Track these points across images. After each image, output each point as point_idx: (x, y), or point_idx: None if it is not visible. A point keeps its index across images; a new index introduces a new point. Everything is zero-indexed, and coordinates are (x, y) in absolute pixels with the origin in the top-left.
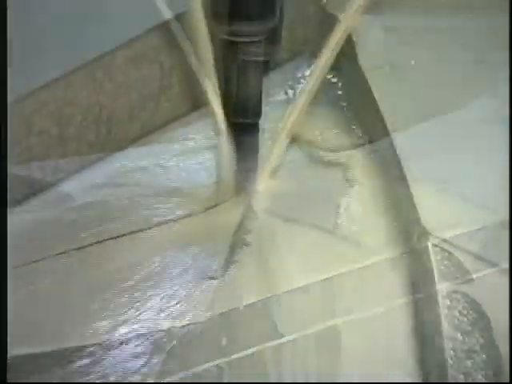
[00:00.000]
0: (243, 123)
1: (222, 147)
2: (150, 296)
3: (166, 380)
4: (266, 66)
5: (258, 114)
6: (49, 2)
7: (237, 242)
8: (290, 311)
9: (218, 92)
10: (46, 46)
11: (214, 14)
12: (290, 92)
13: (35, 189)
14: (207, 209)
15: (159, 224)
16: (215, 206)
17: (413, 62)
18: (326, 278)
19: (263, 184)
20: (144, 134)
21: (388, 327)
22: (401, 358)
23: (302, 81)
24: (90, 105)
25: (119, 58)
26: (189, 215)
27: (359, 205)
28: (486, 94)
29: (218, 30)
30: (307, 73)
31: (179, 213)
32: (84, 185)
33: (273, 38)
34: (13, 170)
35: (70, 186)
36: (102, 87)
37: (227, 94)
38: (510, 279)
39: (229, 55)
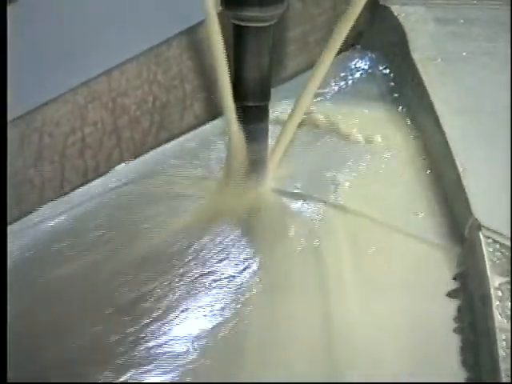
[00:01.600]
0: (253, 107)
1: (232, 135)
2: None
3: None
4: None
5: (267, 96)
6: None
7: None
8: None
9: (229, 80)
10: (100, 38)
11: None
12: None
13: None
14: (219, 194)
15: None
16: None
17: (464, 54)
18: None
19: (273, 167)
20: (198, 123)
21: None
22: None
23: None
24: (143, 95)
25: (173, 49)
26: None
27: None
28: None
29: (230, 16)
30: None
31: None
32: (132, 174)
33: (281, 23)
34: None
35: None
36: (155, 78)
37: (238, 79)
38: (510, 278)
39: (240, 40)
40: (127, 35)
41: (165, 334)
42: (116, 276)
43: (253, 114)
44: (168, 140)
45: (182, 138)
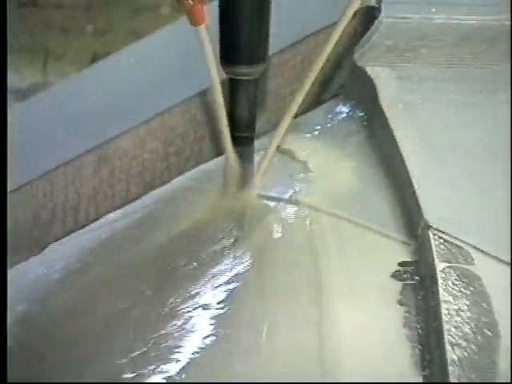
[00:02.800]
0: (242, 136)
1: (228, 157)
2: None
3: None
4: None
5: (252, 129)
6: None
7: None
8: None
9: (226, 118)
10: (155, 89)
11: (222, 60)
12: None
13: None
14: (219, 199)
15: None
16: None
17: (418, 102)
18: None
19: (258, 181)
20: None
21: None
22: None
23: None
24: (186, 130)
25: (207, 96)
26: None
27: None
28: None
29: (227, 72)
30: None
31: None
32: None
33: (263, 75)
34: None
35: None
36: (195, 118)
37: (232, 117)
38: (510, 276)
39: (233, 89)
40: (173, 88)
41: None
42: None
43: (243, 142)
44: (200, 164)
45: (210, 163)
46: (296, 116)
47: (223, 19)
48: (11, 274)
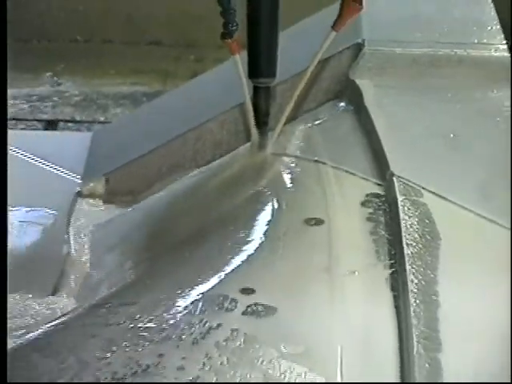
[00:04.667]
0: (261, 121)
1: (252, 132)
2: None
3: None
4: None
5: (268, 114)
6: None
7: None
8: None
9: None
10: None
11: (249, 74)
12: None
13: None
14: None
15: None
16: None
17: (388, 100)
18: None
19: (272, 142)
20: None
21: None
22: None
23: None
24: (217, 137)
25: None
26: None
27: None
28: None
29: (252, 81)
30: None
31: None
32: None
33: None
34: None
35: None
36: (224, 127)
37: (255, 106)
38: (511, 275)
39: (256, 93)
40: (229, 95)
41: None
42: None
43: (262, 123)
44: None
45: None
46: (308, 110)
47: (250, 51)
48: None
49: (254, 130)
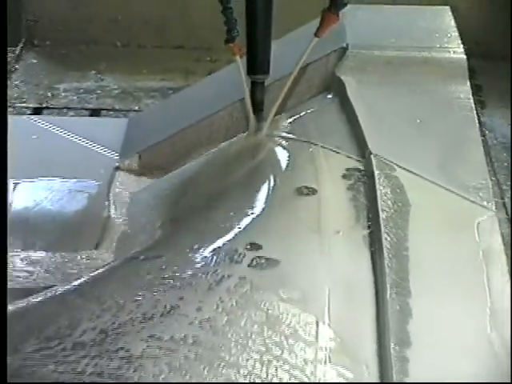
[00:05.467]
0: (258, 108)
1: (250, 118)
2: None
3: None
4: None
5: (263, 103)
6: None
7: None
8: None
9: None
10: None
11: (248, 71)
12: None
13: None
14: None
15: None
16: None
17: (366, 91)
18: None
19: (266, 125)
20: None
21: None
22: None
23: None
24: (225, 124)
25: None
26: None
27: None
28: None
29: (250, 77)
30: None
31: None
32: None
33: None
34: None
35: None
36: (233, 117)
37: (252, 98)
38: (510, 273)
39: (252, 87)
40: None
41: None
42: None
43: (258, 110)
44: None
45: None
46: (303, 101)
47: (248, 53)
48: None
49: (251, 117)
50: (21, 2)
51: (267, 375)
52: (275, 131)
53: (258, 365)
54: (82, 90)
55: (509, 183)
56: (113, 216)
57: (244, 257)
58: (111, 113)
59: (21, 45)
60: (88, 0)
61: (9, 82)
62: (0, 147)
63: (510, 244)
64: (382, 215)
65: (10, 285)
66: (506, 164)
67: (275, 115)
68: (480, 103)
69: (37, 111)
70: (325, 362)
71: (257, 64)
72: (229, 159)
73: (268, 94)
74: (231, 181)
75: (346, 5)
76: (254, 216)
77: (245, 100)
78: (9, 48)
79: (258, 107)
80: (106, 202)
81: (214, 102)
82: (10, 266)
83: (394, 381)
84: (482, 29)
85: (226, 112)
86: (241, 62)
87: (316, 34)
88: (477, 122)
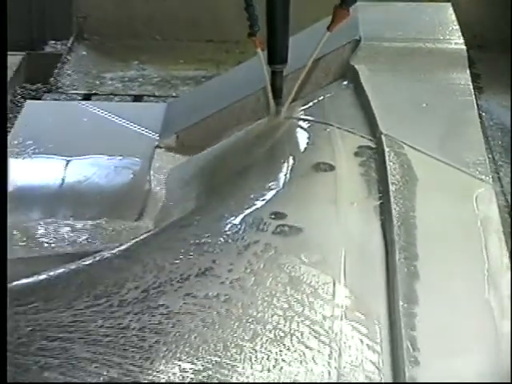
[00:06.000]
0: (277, 95)
1: (270, 103)
2: None
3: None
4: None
5: (282, 90)
6: None
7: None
8: None
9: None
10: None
11: (268, 61)
12: None
13: None
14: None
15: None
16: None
17: (378, 79)
18: None
19: (284, 109)
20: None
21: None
22: None
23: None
24: (254, 107)
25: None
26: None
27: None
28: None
29: (270, 66)
30: None
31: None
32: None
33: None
34: None
35: None
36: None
37: (272, 84)
38: (510, 270)
39: (272, 76)
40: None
41: None
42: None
43: (278, 96)
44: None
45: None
46: (321, 87)
47: (268, 45)
48: None
49: (271, 102)
50: (71, 1)
51: (290, 330)
52: (294, 114)
53: (281, 320)
54: (126, 79)
55: (503, 159)
56: (153, 189)
57: (269, 225)
58: (152, 98)
59: (72, 39)
60: None
61: (61, 72)
62: (0, 148)
63: (510, 223)
64: (392, 188)
65: (63, 250)
66: (500, 142)
67: (293, 101)
68: (478, 89)
69: (86, 97)
70: (341, 318)
71: (276, 55)
72: (253, 139)
73: (286, 82)
74: (255, 158)
75: (355, 1)
76: (277, 189)
77: (265, 87)
78: (61, 41)
79: (277, 93)
80: (148, 177)
81: (241, 89)
82: (62, 233)
83: (402, 333)
84: (479, 23)
85: (252, 97)
86: (262, 54)
87: (328, 29)
88: (475, 105)
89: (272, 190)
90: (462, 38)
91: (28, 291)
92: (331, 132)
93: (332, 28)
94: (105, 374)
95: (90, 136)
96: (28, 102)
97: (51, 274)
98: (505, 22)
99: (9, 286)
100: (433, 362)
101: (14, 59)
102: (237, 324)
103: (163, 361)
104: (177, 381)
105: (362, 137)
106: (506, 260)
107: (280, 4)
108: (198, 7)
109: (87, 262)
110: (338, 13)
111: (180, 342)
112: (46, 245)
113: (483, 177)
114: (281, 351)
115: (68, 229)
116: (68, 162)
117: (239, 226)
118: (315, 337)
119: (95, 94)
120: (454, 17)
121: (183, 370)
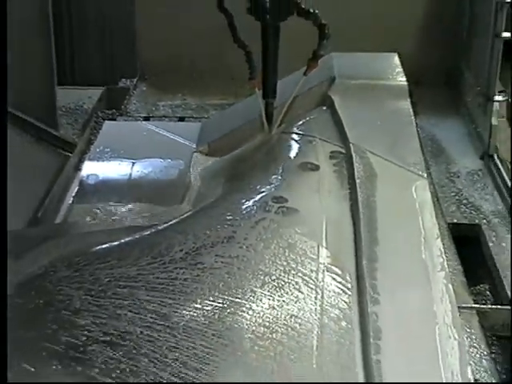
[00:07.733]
0: (270, 111)
1: (262, 114)
2: None
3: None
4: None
5: (272, 113)
6: None
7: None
8: None
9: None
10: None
11: (263, 96)
12: None
13: None
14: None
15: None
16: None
17: (349, 104)
18: None
19: (276, 125)
20: None
21: None
22: None
23: None
24: None
25: None
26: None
27: None
28: None
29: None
30: None
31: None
32: None
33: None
34: None
35: None
36: None
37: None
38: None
39: (266, 104)
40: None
41: None
42: None
43: (270, 110)
44: None
45: None
46: (306, 111)
47: (263, 86)
48: None
49: (265, 123)
50: (136, 49)
51: (288, 279)
52: (285, 130)
53: (282, 273)
54: (173, 106)
55: (432, 160)
56: (192, 181)
57: (272, 207)
58: (191, 119)
59: (136, 78)
60: (175, 48)
61: (129, 101)
62: (0, 147)
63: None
64: (357, 181)
65: (129, 224)
66: (430, 149)
67: (281, 124)
68: (415, 112)
69: (146, 118)
70: (323, 271)
71: (268, 92)
72: (257, 148)
73: (276, 110)
74: (260, 160)
75: (322, 55)
76: (276, 181)
77: (261, 113)
78: (128, 80)
79: (269, 118)
80: (188, 173)
81: (251, 112)
82: (128, 213)
83: (366, 281)
84: (416, 66)
85: (255, 120)
86: (258, 92)
87: (304, 74)
88: (414, 123)
89: (273, 182)
90: (404, 77)
91: (106, 253)
92: (313, 141)
93: (307, 73)
94: (159, 310)
95: (148, 145)
96: (106, 122)
97: (122, 241)
98: (434, 67)
99: (92, 249)
100: (389, 301)
101: (96, 92)
102: (251, 276)
103: (199, 300)
104: (211, 315)
105: (335, 145)
106: (436, 230)
107: (271, 58)
108: (223, 51)
109: (147, 233)
110: (310, 64)
111: (212, 288)
112: (118, 220)
113: (420, 173)
114: (282, 295)
115: (133, 209)
116: (133, 163)
117: (251, 207)
118: (305, 284)
119: (152, 117)
120: (399, 62)
121: (214, 307)
